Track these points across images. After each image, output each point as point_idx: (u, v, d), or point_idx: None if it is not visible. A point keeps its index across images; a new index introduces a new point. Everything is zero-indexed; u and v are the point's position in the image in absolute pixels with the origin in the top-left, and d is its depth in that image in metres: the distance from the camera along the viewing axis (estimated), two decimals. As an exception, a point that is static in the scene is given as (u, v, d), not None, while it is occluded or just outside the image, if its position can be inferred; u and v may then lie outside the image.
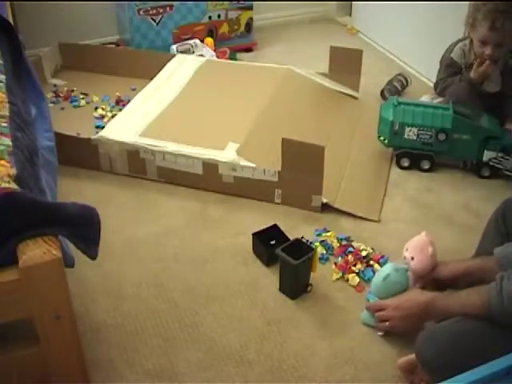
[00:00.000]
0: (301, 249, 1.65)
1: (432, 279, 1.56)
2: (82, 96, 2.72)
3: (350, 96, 2.63)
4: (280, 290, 1.68)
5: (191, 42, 3.00)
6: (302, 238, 1.78)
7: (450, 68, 2.30)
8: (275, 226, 1.85)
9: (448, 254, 1.61)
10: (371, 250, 1.82)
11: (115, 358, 1.49)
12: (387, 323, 1.48)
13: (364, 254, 1.80)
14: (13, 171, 1.19)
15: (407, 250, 1.58)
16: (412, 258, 1.56)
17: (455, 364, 1.19)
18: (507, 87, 2.21)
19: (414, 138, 2.20)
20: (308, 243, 1.75)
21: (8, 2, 2.27)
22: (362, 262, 1.78)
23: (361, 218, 1.96)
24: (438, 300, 1.37)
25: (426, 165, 2.24)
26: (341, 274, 1.74)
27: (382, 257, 1.79)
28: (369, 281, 1.68)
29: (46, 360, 1.16)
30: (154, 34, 3.05)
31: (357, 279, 1.72)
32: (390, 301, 1.50)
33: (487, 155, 2.15)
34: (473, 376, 0.93)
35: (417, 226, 1.92)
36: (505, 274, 1.24)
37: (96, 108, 2.62)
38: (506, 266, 1.38)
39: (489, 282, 1.34)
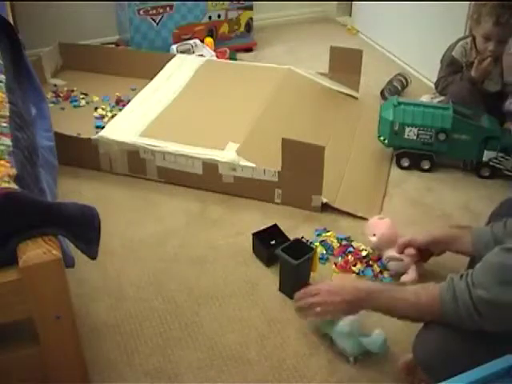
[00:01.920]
0: (301, 249, 1.65)
1: (415, 252, 1.65)
2: (82, 96, 2.72)
3: (350, 96, 2.63)
4: (280, 289, 1.68)
5: (191, 42, 3.00)
6: (302, 237, 1.78)
7: (451, 66, 2.31)
8: (275, 226, 1.85)
9: (448, 254, 1.61)
10: (371, 250, 1.82)
11: (115, 358, 1.49)
12: (318, 309, 1.41)
13: (364, 254, 1.81)
14: (13, 171, 1.19)
15: (369, 238, 1.75)
16: (374, 235, 1.74)
17: (451, 363, 1.19)
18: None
19: (414, 137, 2.20)
20: (308, 243, 1.75)
21: (8, 2, 2.27)
22: (361, 262, 1.78)
23: (361, 217, 1.96)
24: (375, 293, 1.32)
25: (426, 165, 2.24)
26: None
27: (382, 257, 1.79)
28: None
29: (46, 360, 1.16)
30: (154, 33, 3.05)
31: (357, 279, 1.72)
32: (320, 284, 1.46)
33: (487, 155, 2.15)
34: (473, 376, 0.93)
35: (417, 226, 1.93)
36: (455, 276, 1.21)
37: (96, 108, 2.61)
38: (477, 246, 1.44)
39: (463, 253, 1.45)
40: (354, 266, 1.76)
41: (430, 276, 1.68)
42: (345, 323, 1.44)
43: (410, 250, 1.67)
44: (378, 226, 1.76)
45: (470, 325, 1.18)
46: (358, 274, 1.74)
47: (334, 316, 1.45)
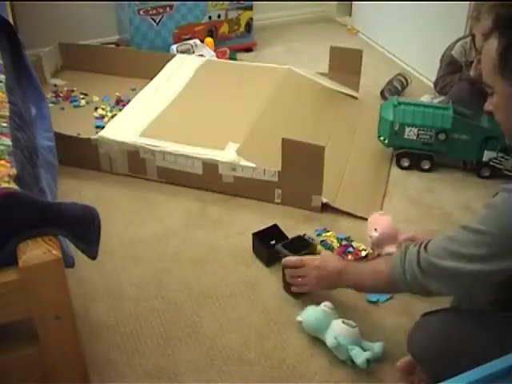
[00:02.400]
0: (302, 245, 1.67)
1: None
2: (81, 96, 2.72)
3: (350, 96, 2.63)
4: (284, 288, 1.68)
5: (191, 42, 3.01)
6: (305, 235, 1.77)
7: (450, 66, 2.30)
8: (275, 226, 1.85)
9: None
10: (371, 251, 1.82)
11: (115, 358, 1.49)
12: (300, 279, 1.56)
13: (364, 254, 1.81)
14: (13, 171, 1.19)
15: (371, 233, 1.75)
16: (376, 230, 1.73)
17: (445, 356, 1.21)
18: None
19: (414, 137, 2.20)
20: (309, 240, 1.75)
21: (8, 2, 2.27)
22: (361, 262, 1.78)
23: (361, 217, 1.96)
24: (350, 267, 1.47)
25: (426, 165, 2.24)
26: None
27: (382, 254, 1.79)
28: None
29: (46, 360, 1.16)
30: (154, 33, 3.05)
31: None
32: (310, 259, 1.56)
33: (487, 155, 2.15)
34: (473, 376, 0.93)
35: (417, 225, 1.93)
36: (410, 243, 1.29)
37: (96, 108, 2.62)
38: None
39: None
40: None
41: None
42: (332, 335, 1.47)
43: None
44: (379, 222, 1.76)
45: (414, 284, 1.24)
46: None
47: (312, 290, 1.59)
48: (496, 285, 1.21)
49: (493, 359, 0.93)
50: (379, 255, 1.77)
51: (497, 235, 1.10)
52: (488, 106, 1.22)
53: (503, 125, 1.21)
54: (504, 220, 1.09)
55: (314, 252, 1.69)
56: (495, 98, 1.17)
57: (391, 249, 1.70)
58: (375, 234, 1.74)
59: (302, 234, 1.77)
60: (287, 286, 1.66)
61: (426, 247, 1.23)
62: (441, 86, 2.34)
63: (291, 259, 1.60)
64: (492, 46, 1.13)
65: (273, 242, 1.80)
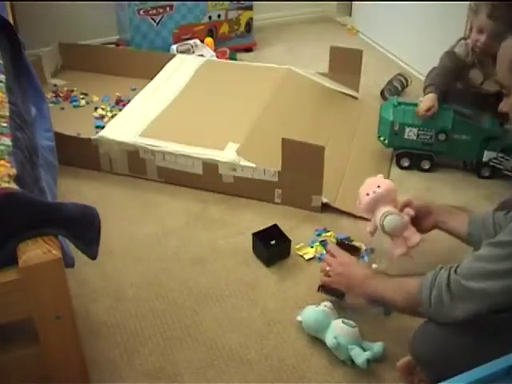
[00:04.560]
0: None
1: (413, 213, 1.65)
2: (81, 96, 2.72)
3: (350, 96, 2.63)
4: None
5: (191, 42, 3.01)
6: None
7: (447, 58, 2.26)
8: (275, 226, 1.85)
9: (448, 254, 1.61)
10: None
11: (115, 358, 1.49)
12: (328, 268, 1.55)
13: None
14: (13, 171, 1.19)
15: (372, 190, 1.70)
16: (379, 187, 1.69)
17: (447, 360, 1.21)
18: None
19: (414, 138, 2.20)
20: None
21: (8, 2, 2.27)
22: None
23: (361, 217, 1.96)
24: (377, 276, 1.42)
25: (426, 165, 2.24)
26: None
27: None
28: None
29: (46, 360, 1.16)
30: (154, 33, 3.05)
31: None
32: (342, 253, 1.55)
33: (487, 155, 2.15)
34: (473, 376, 0.93)
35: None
36: (444, 266, 1.26)
37: (96, 108, 2.61)
38: (472, 230, 1.50)
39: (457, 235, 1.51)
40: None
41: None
42: (332, 335, 1.47)
43: (409, 210, 1.65)
44: (382, 181, 1.74)
45: (438, 307, 1.21)
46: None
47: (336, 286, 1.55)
48: None
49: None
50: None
51: None
52: (504, 106, 1.24)
53: None
54: None
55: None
56: (511, 99, 1.17)
57: (386, 208, 1.67)
58: (379, 190, 1.69)
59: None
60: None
61: (456, 270, 1.21)
62: (426, 76, 2.31)
63: (333, 246, 1.61)
64: (508, 47, 1.15)
65: (273, 242, 1.80)
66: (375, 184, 1.72)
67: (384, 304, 1.42)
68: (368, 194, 1.71)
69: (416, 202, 1.68)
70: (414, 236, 1.65)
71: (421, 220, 1.66)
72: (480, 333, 1.20)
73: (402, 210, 1.67)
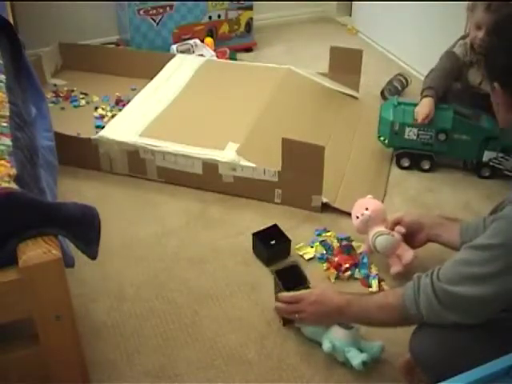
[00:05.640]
0: (296, 277, 1.57)
1: (404, 230, 1.67)
2: (81, 96, 2.72)
3: (350, 96, 2.63)
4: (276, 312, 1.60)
5: (191, 42, 3.00)
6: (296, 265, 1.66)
7: (447, 58, 2.26)
8: (275, 226, 1.85)
9: (448, 254, 1.61)
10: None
11: (115, 358, 1.49)
12: (297, 315, 1.46)
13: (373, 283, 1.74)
14: (13, 171, 1.19)
15: (360, 212, 1.75)
16: (366, 209, 1.74)
17: (447, 360, 1.21)
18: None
19: (414, 138, 2.20)
20: (304, 273, 1.61)
21: (8, 2, 2.27)
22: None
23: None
24: (353, 301, 1.37)
25: (426, 165, 2.24)
26: (336, 274, 1.74)
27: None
28: (366, 276, 1.70)
29: (46, 360, 1.16)
30: (154, 33, 3.05)
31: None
32: (306, 294, 1.46)
33: (487, 155, 2.15)
34: (473, 376, 0.93)
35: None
36: (422, 274, 1.25)
37: (96, 108, 2.61)
38: (465, 239, 1.48)
39: (451, 246, 1.51)
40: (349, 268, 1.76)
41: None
42: (327, 340, 1.46)
43: (400, 228, 1.67)
44: (370, 202, 1.78)
45: (431, 316, 1.21)
46: (352, 275, 1.74)
47: (313, 324, 1.49)
48: None
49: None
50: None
51: (510, 245, 1.08)
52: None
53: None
54: None
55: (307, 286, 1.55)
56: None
57: (379, 228, 1.70)
58: (367, 213, 1.74)
59: (294, 263, 1.67)
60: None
61: (438, 275, 1.20)
62: (426, 76, 2.31)
63: (286, 295, 1.49)
64: None
65: (273, 242, 1.80)
66: (363, 206, 1.77)
67: (371, 325, 1.40)
68: (358, 217, 1.76)
69: (407, 218, 1.69)
70: (407, 253, 1.68)
71: (413, 235, 1.68)
72: (480, 331, 1.20)
73: (392, 228, 1.69)
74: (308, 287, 1.52)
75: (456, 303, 1.17)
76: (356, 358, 1.42)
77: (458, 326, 1.21)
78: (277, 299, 1.53)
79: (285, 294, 1.50)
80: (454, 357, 1.20)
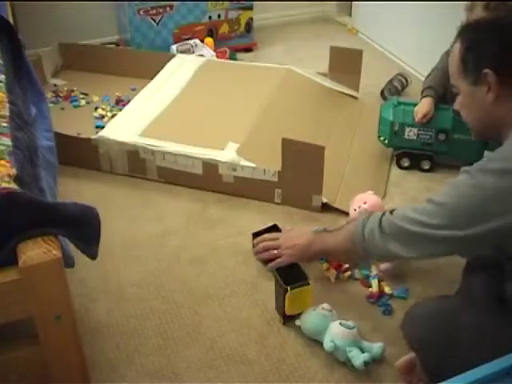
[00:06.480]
0: (297, 274, 1.57)
1: None
2: (81, 96, 2.72)
3: (350, 96, 2.63)
4: (276, 308, 1.62)
5: (191, 42, 3.01)
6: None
7: (447, 58, 2.25)
8: (275, 226, 1.85)
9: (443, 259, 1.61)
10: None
11: (115, 358, 1.49)
12: (276, 251, 1.64)
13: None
14: (13, 171, 1.19)
15: (358, 205, 1.84)
16: (365, 203, 1.83)
17: (439, 339, 1.24)
18: None
19: (414, 138, 2.20)
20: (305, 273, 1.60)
21: (8, 2, 2.27)
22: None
23: (361, 218, 1.96)
24: (321, 235, 1.56)
25: (426, 165, 2.24)
26: (336, 274, 1.74)
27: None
28: (366, 276, 1.71)
29: (46, 360, 1.16)
30: (154, 33, 3.05)
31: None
32: (281, 234, 1.72)
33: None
34: (473, 376, 0.93)
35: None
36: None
37: (96, 108, 2.61)
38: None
39: None
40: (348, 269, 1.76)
41: (425, 281, 1.68)
42: (328, 339, 1.46)
43: None
44: (369, 198, 1.87)
45: (370, 244, 1.35)
46: (352, 275, 1.74)
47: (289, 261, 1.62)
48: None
49: (487, 346, 0.95)
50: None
51: (454, 208, 1.22)
52: (456, 105, 1.36)
53: (468, 121, 1.38)
54: (462, 194, 1.23)
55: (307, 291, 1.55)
56: (460, 98, 1.32)
57: None
58: (364, 206, 1.81)
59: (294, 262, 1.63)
60: (277, 306, 1.60)
61: (391, 212, 1.34)
62: (425, 78, 2.31)
63: (266, 236, 1.72)
64: (456, 49, 1.29)
65: (273, 242, 1.80)
66: (362, 200, 1.86)
67: (331, 255, 1.58)
68: (355, 210, 1.85)
69: None
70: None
71: None
72: (473, 315, 1.23)
73: None
74: (308, 284, 1.54)
75: (398, 234, 1.30)
76: (358, 358, 1.43)
77: (445, 306, 1.27)
78: (257, 250, 1.72)
79: (267, 236, 1.72)
80: (447, 335, 1.23)
